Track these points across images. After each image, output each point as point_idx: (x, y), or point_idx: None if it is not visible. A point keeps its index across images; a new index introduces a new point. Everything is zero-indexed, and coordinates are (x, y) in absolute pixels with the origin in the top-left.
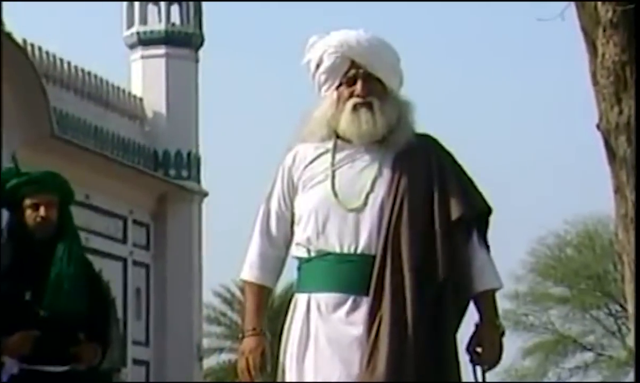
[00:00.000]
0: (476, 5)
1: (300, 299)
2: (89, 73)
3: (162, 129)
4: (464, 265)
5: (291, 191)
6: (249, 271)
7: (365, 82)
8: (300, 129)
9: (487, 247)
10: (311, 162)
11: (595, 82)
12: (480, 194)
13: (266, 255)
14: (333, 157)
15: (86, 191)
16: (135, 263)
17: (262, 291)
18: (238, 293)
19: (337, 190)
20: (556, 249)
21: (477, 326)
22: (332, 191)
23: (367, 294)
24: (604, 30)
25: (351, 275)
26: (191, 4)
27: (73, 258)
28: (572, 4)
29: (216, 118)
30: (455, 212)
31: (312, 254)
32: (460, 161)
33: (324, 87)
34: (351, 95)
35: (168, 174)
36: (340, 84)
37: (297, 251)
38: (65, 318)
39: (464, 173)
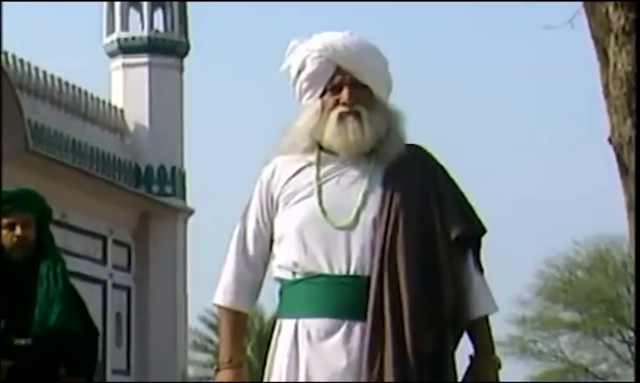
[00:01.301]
0: (475, 9)
1: (286, 325)
2: (66, 83)
3: (144, 143)
4: (463, 290)
5: (270, 208)
6: (223, 296)
7: (352, 89)
8: (280, 141)
9: (482, 269)
10: (293, 176)
11: (606, 94)
12: (474, 212)
13: (242, 278)
14: (318, 170)
15: (63, 209)
16: (115, 286)
17: (239, 318)
18: None
19: (324, 206)
20: (566, 271)
21: (471, 359)
22: (319, 207)
23: (362, 319)
24: (616, 39)
25: (344, 298)
26: (176, 9)
27: (60, 276)
28: (582, 10)
29: (202, 131)
30: (454, 231)
31: (298, 276)
32: (453, 175)
33: (306, 95)
34: (337, 103)
35: (151, 190)
36: (324, 92)
37: (280, 273)
38: (56, 341)
39: (458, 188)
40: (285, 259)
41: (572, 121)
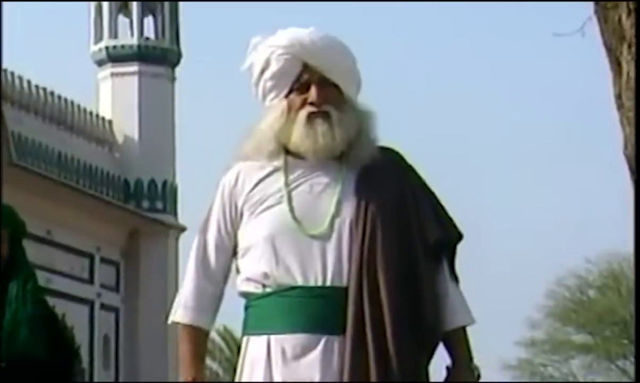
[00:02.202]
0: (480, 14)
1: (256, 343)
2: (51, 93)
3: (134, 156)
4: (439, 299)
5: (234, 217)
6: (183, 313)
7: (320, 88)
8: (242, 145)
9: (457, 278)
10: (259, 182)
11: (619, 105)
12: (450, 217)
13: (203, 292)
14: (286, 176)
15: (48, 225)
16: (103, 306)
17: (200, 335)
18: (218, 340)
19: (296, 214)
20: (577, 291)
21: (448, 370)
22: (290, 215)
23: (340, 333)
24: (629, 47)
25: (321, 311)
26: (167, 15)
27: (29, 297)
28: (594, 17)
29: (195, 144)
30: (431, 237)
31: (269, 289)
32: (427, 179)
33: (270, 96)
34: (304, 103)
35: (140, 206)
36: (290, 92)
37: (247, 286)
38: (21, 367)
39: (432, 193)
40: (254, 271)
41: (584, 133)
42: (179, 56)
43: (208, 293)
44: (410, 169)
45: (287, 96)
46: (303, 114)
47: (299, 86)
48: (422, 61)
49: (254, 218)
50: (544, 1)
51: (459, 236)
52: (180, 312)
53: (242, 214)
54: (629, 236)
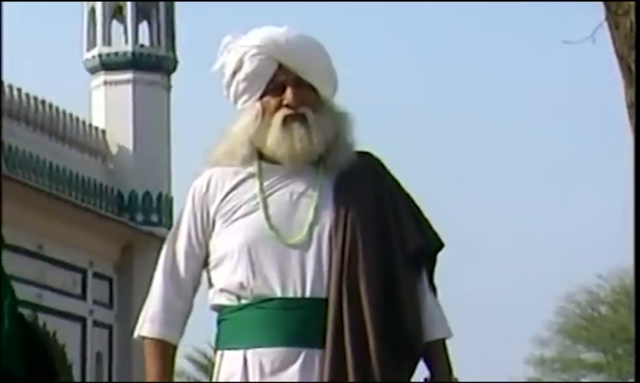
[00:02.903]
0: (488, 20)
1: (232, 358)
2: (42, 102)
3: (128, 167)
4: (419, 310)
5: (206, 226)
6: (150, 327)
7: (296, 89)
8: (214, 150)
9: (435, 288)
10: (232, 189)
11: (631, 114)
12: (430, 225)
13: (171, 305)
14: (261, 183)
15: (39, 239)
16: (96, 323)
17: (168, 350)
18: (212, 355)
19: (272, 222)
20: (588, 307)
21: (426, 382)
22: (267, 223)
23: (321, 346)
24: None
25: (301, 323)
26: (163, 22)
27: (6, 311)
28: (605, 24)
29: (192, 154)
30: (410, 245)
31: (245, 301)
32: (405, 185)
33: (243, 98)
34: (279, 106)
35: (135, 219)
36: (264, 93)
37: (220, 298)
38: None
39: (412, 199)
40: (229, 282)
41: (594, 144)
42: (175, 63)
43: (177, 305)
44: (388, 175)
45: (261, 98)
46: (279, 117)
47: (274, 87)
48: (426, 68)
49: (228, 227)
50: (553, 0)
51: (440, 245)
52: (148, 326)
53: (214, 223)
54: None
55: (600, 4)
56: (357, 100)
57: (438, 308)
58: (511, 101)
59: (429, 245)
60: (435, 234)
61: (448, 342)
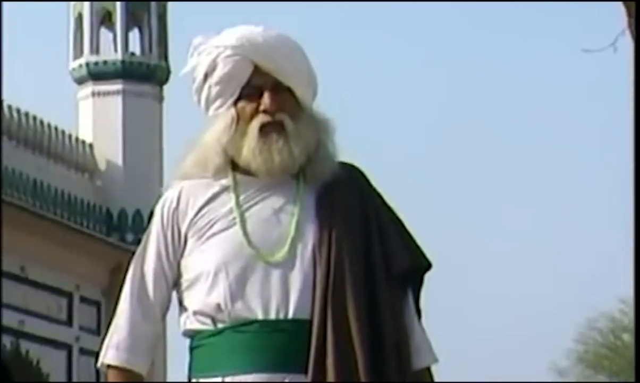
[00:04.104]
0: (500, 27)
1: None
2: (26, 114)
3: (117, 184)
4: (405, 335)
5: (177, 244)
6: (115, 354)
7: (274, 94)
8: (184, 161)
9: (420, 312)
10: (206, 204)
11: None
12: (417, 244)
13: (139, 331)
14: (237, 196)
15: (22, 261)
16: (82, 351)
17: (133, 380)
18: None
19: (251, 238)
20: (610, 335)
21: None
22: (245, 239)
23: (305, 371)
24: None
25: (283, 347)
26: (154, 28)
27: None
28: (627, 31)
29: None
30: (396, 265)
31: (222, 324)
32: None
33: (216, 104)
34: (256, 112)
35: (125, 239)
36: (238, 98)
37: (194, 323)
38: None
39: (398, 216)
40: (204, 304)
41: (615, 161)
42: (167, 72)
43: (144, 331)
44: (372, 189)
45: (235, 104)
46: (255, 125)
47: (250, 92)
48: (440, 77)
49: (202, 244)
50: (573, 1)
51: (428, 265)
52: (112, 353)
53: (186, 240)
54: None
55: (621, 10)
56: (341, 106)
57: (423, 334)
58: (531, 113)
59: (416, 265)
60: (422, 253)
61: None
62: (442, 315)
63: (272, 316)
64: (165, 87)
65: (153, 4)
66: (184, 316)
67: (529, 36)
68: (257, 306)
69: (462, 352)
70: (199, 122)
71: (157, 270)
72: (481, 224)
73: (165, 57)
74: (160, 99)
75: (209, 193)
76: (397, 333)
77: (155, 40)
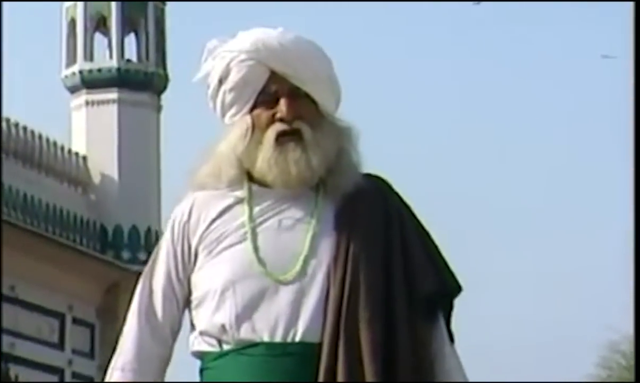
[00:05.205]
0: (514, 32)
1: None
2: (15, 125)
3: (112, 199)
4: (429, 361)
5: (187, 259)
6: (120, 375)
7: (291, 100)
8: (198, 172)
9: (452, 336)
10: (218, 217)
11: None
12: (447, 265)
13: (145, 351)
14: (250, 209)
15: (12, 280)
16: (75, 375)
17: None
18: None
19: (261, 255)
20: (634, 358)
21: None
22: (255, 256)
23: None
24: None
25: (290, 373)
26: (152, 34)
27: None
28: None
29: (184, 184)
30: (422, 288)
31: (227, 346)
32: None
33: (231, 111)
34: (272, 120)
35: (120, 257)
36: (254, 106)
37: (201, 344)
38: None
39: (428, 234)
40: (209, 325)
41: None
42: (165, 80)
43: (152, 352)
44: (400, 203)
45: (251, 111)
46: (271, 133)
47: (265, 99)
48: (454, 85)
49: (211, 260)
50: (588, 1)
51: (458, 289)
52: (118, 374)
53: (196, 255)
54: None
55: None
56: (366, 113)
57: (455, 360)
58: (551, 118)
59: (444, 288)
60: (452, 276)
61: None
62: (457, 339)
63: (279, 338)
64: (163, 96)
65: (150, 7)
66: (192, 336)
67: (558, 41)
68: (263, 327)
69: (479, 377)
70: (198, 133)
71: (166, 288)
72: (500, 243)
73: (163, 64)
74: (158, 108)
75: (223, 205)
76: (415, 363)
77: (153, 46)
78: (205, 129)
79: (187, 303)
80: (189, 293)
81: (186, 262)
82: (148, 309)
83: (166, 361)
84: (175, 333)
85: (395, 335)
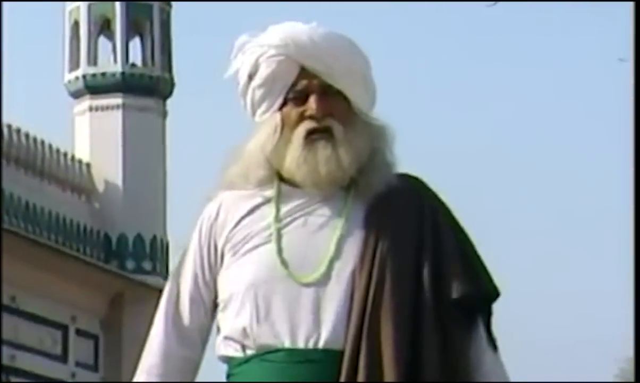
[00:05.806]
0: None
1: None
2: (17, 131)
3: (116, 207)
4: (465, 368)
5: (213, 261)
6: (146, 379)
7: (321, 97)
8: (227, 171)
9: (494, 342)
10: (245, 216)
11: None
12: (485, 268)
13: (172, 355)
14: (277, 209)
15: (13, 291)
16: None
17: None
18: None
19: (285, 257)
20: None
21: None
22: (278, 258)
23: None
24: None
25: (312, 380)
26: (157, 38)
27: None
28: None
29: (190, 191)
30: (455, 291)
31: (249, 351)
32: (461, 219)
33: (261, 108)
34: (301, 117)
35: (124, 267)
36: (284, 103)
37: (226, 349)
38: None
39: (466, 236)
40: (233, 328)
41: None
42: (171, 85)
43: (179, 356)
44: (439, 204)
45: (281, 109)
46: (300, 131)
47: (295, 96)
48: (468, 89)
49: (237, 261)
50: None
51: (496, 293)
52: (144, 377)
53: (222, 256)
54: None
55: None
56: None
57: (498, 365)
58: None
59: (479, 292)
60: (490, 279)
61: None
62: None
63: (301, 344)
64: (169, 101)
65: (156, 9)
66: (218, 339)
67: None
68: (284, 332)
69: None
70: (205, 139)
71: (192, 289)
72: (527, 258)
73: (169, 69)
74: (164, 114)
75: (250, 205)
76: (443, 370)
77: (158, 50)
78: (213, 135)
79: (215, 306)
80: (216, 295)
81: (212, 263)
82: (175, 312)
83: (194, 364)
84: (204, 337)
85: (421, 340)
